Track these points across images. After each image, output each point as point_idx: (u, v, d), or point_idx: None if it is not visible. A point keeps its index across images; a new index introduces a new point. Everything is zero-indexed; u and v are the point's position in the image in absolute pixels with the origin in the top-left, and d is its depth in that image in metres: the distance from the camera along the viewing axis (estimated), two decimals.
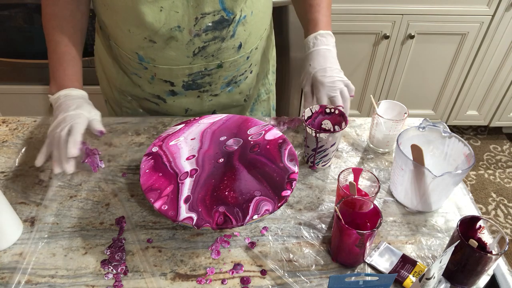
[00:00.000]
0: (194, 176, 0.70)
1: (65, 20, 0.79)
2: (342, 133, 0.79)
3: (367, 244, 0.61)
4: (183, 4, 0.73)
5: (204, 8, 0.74)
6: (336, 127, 0.81)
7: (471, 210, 0.74)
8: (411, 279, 0.62)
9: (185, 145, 0.76)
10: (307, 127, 0.76)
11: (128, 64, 0.86)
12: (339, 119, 0.79)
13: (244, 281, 0.62)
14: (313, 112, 0.80)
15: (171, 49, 0.78)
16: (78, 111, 0.73)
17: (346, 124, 0.77)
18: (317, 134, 0.75)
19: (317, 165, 0.81)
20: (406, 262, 0.64)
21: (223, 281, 0.62)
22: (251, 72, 0.93)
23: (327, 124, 0.82)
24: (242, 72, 0.90)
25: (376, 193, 0.67)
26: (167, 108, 0.93)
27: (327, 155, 0.79)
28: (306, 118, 0.79)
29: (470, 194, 0.77)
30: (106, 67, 0.94)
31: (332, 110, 0.80)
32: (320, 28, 0.85)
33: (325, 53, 0.83)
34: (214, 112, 0.97)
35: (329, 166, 0.82)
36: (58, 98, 0.75)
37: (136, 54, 0.81)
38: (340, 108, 0.80)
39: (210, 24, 0.76)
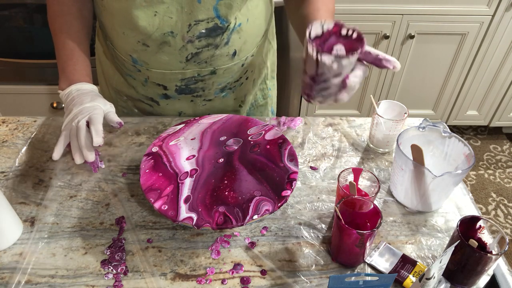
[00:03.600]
0: (194, 176, 0.70)
1: (73, 17, 0.80)
2: (352, 63, 0.59)
3: (367, 244, 0.61)
4: (177, 10, 0.73)
5: (198, 15, 0.74)
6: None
7: (471, 210, 0.74)
8: (411, 279, 0.62)
9: (185, 145, 0.76)
10: (309, 44, 0.57)
11: (123, 66, 0.87)
12: (357, 45, 0.59)
13: (244, 281, 0.62)
14: (325, 31, 0.59)
15: (164, 54, 0.78)
16: (94, 103, 0.73)
17: (362, 48, 0.58)
18: (319, 56, 0.56)
19: (313, 99, 0.63)
20: (406, 262, 0.64)
21: (223, 281, 0.62)
22: (246, 79, 0.93)
23: (340, 50, 0.60)
24: (237, 78, 0.90)
25: (376, 193, 0.67)
26: (161, 110, 0.93)
27: (328, 88, 0.60)
28: (313, 36, 0.59)
29: (470, 194, 0.77)
30: (104, 66, 0.94)
31: (350, 33, 0.59)
32: None
33: None
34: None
35: (328, 103, 0.63)
36: (70, 92, 0.75)
37: (130, 56, 0.81)
38: (361, 34, 0.59)
39: (203, 31, 0.76)
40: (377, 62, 0.61)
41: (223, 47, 0.80)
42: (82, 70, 0.79)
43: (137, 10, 0.72)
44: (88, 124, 0.71)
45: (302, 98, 1.91)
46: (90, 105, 0.73)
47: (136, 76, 0.86)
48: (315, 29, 0.59)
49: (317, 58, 0.57)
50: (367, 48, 0.60)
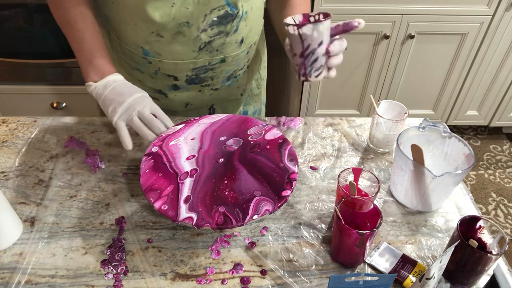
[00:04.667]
0: (194, 176, 0.70)
1: (85, 8, 0.79)
2: (328, 29, 0.68)
3: (367, 244, 0.61)
4: (193, 1, 0.74)
5: (213, 4, 0.76)
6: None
7: (471, 210, 0.74)
8: (411, 279, 0.62)
9: (185, 145, 0.76)
10: (288, 27, 0.67)
11: (130, 59, 0.87)
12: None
13: (244, 281, 0.62)
14: (297, 22, 0.70)
15: (178, 44, 0.79)
16: (143, 93, 0.76)
17: (330, 16, 0.67)
18: (300, 30, 0.66)
19: (310, 75, 0.72)
20: (406, 262, 0.64)
21: (223, 281, 0.62)
22: (248, 67, 0.96)
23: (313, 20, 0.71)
24: (242, 66, 0.92)
25: (376, 193, 0.67)
26: (167, 103, 0.94)
27: (317, 59, 0.70)
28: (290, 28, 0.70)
29: (470, 194, 0.77)
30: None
31: (317, 17, 0.69)
32: None
33: None
34: (212, 106, 0.98)
35: (323, 77, 0.72)
36: (107, 84, 0.75)
37: (141, 48, 0.82)
38: (325, 13, 0.69)
39: (215, 19, 0.77)
40: (346, 28, 0.69)
41: (233, 35, 0.82)
42: (109, 60, 0.79)
43: (155, 1, 0.73)
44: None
45: (302, 99, 1.91)
46: (140, 95, 0.75)
47: (145, 69, 0.87)
48: (289, 20, 0.69)
49: (299, 33, 0.66)
50: (333, 24, 0.69)
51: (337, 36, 0.69)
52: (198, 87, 0.90)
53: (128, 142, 0.73)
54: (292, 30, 0.67)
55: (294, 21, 0.70)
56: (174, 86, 0.89)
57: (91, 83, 0.76)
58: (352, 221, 0.63)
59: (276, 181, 0.69)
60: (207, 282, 0.62)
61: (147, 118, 0.74)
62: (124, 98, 0.73)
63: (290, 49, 0.71)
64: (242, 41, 0.85)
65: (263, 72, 1.08)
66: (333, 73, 0.72)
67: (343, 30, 0.69)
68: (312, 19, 0.70)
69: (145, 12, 0.75)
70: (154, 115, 0.75)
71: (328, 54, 0.69)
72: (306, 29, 0.66)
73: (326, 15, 0.68)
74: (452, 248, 0.53)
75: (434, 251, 0.67)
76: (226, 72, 0.89)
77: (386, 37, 1.72)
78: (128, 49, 0.84)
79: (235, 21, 0.80)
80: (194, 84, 0.89)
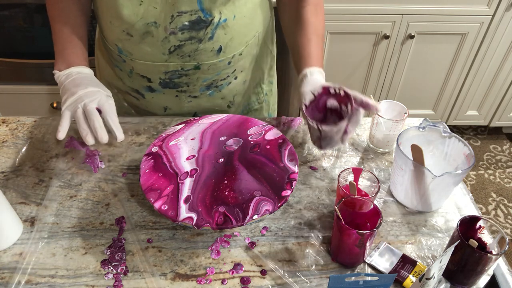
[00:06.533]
0: (194, 176, 0.70)
1: (71, 3, 0.81)
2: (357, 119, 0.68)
3: (367, 244, 0.61)
4: (161, 1, 0.73)
5: (181, 6, 0.74)
6: (344, 108, 0.71)
7: (471, 210, 0.74)
8: (411, 279, 0.62)
9: (185, 145, 0.76)
10: (308, 120, 0.68)
11: (111, 56, 0.88)
12: (345, 99, 0.70)
13: (244, 281, 0.62)
14: (316, 95, 0.71)
15: (147, 45, 0.79)
16: (99, 89, 0.74)
17: (351, 104, 0.67)
18: (320, 127, 0.67)
19: (324, 149, 0.74)
20: (406, 262, 0.64)
21: (223, 281, 0.62)
22: (235, 78, 0.91)
23: (333, 103, 0.73)
24: (224, 77, 0.88)
25: (376, 193, 0.67)
26: (146, 104, 0.93)
27: (332, 141, 0.71)
28: (307, 103, 0.71)
29: (470, 194, 0.77)
30: (99, 58, 0.96)
31: (337, 91, 0.70)
32: (312, 65, 0.79)
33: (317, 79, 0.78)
34: (195, 114, 0.95)
35: (338, 148, 0.73)
36: (70, 74, 0.76)
37: (116, 46, 0.82)
38: (346, 90, 0.69)
39: (186, 23, 0.76)
40: (364, 106, 0.69)
41: (207, 42, 0.79)
42: (81, 54, 0.80)
43: None
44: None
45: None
46: (95, 89, 0.73)
47: (122, 67, 0.87)
48: (308, 98, 0.71)
49: (319, 129, 0.67)
50: (353, 93, 0.69)
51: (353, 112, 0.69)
52: (174, 92, 0.89)
53: (61, 130, 0.70)
54: (311, 123, 0.68)
55: (314, 95, 0.71)
56: (149, 88, 0.89)
57: (56, 71, 0.78)
58: (352, 221, 0.63)
59: (276, 181, 0.69)
60: (207, 282, 0.62)
61: (88, 111, 0.70)
62: (77, 90, 0.73)
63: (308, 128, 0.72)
64: (220, 50, 0.81)
65: (267, 87, 1.02)
66: (346, 138, 0.71)
67: (360, 105, 0.69)
68: (332, 90, 0.70)
69: (115, 9, 0.75)
70: (100, 111, 0.71)
71: (345, 133, 0.70)
72: (327, 128, 0.67)
73: (347, 94, 0.67)
74: (452, 248, 0.53)
75: (434, 251, 0.67)
76: (203, 80, 0.86)
77: (386, 37, 1.72)
78: (108, 46, 0.85)
79: (209, 28, 0.77)
80: (169, 88, 0.88)
